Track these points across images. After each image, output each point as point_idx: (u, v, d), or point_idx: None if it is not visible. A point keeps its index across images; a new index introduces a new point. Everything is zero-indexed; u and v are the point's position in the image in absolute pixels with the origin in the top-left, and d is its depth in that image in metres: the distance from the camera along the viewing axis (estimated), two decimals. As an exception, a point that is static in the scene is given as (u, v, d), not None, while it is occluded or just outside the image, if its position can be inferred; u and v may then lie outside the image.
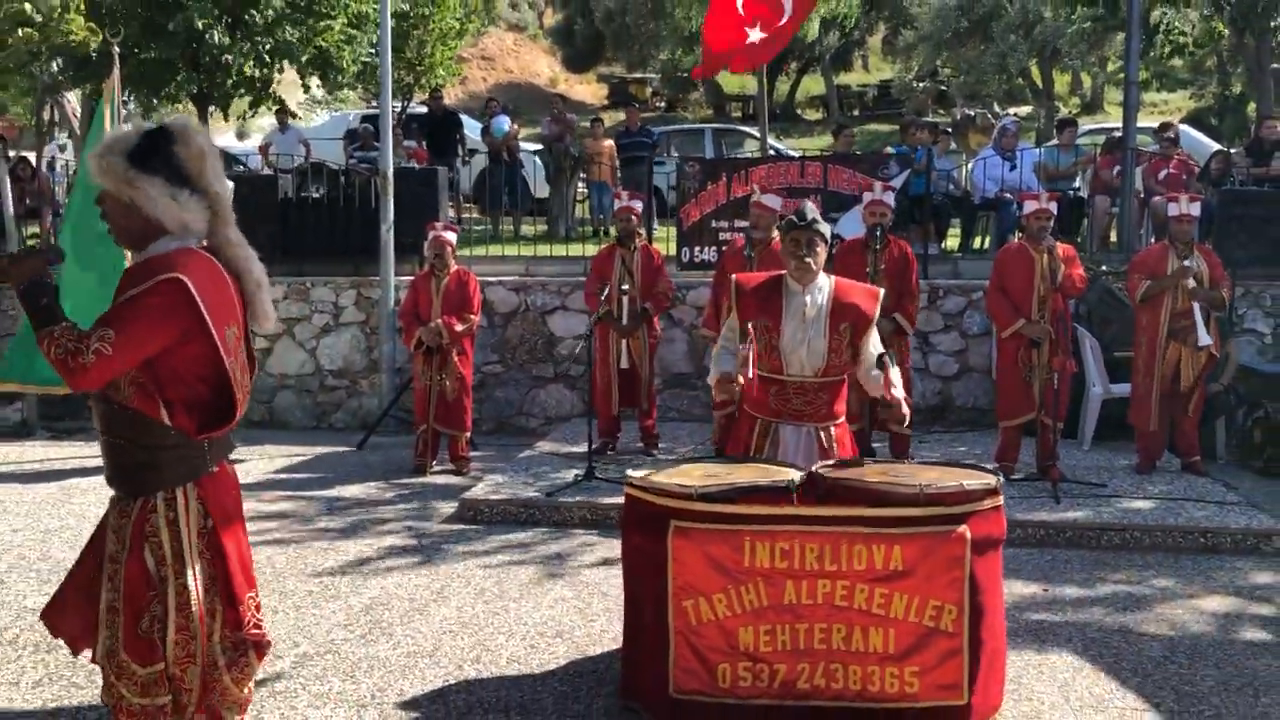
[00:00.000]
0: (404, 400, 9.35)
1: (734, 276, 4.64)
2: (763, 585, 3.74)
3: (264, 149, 16.59)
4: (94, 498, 7.23)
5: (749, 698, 3.77)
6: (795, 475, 3.96)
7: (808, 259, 4.33)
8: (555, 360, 9.91)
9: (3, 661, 4.45)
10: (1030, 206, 7.18)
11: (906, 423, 4.41)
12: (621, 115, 26.33)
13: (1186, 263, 7.19)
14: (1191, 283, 7.18)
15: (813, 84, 35.23)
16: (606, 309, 7.63)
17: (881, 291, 4.61)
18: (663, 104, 34.59)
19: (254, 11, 11.62)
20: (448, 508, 7.05)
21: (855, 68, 37.56)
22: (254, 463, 8.39)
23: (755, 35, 9.67)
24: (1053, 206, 7.18)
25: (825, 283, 4.42)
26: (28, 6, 8.11)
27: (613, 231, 13.51)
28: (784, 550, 3.73)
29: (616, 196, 8.18)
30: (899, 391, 4.29)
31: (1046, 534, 6.27)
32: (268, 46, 12.01)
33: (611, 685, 4.22)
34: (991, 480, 3.88)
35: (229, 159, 15.29)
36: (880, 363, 4.27)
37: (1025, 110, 26.50)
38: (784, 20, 9.70)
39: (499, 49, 40.63)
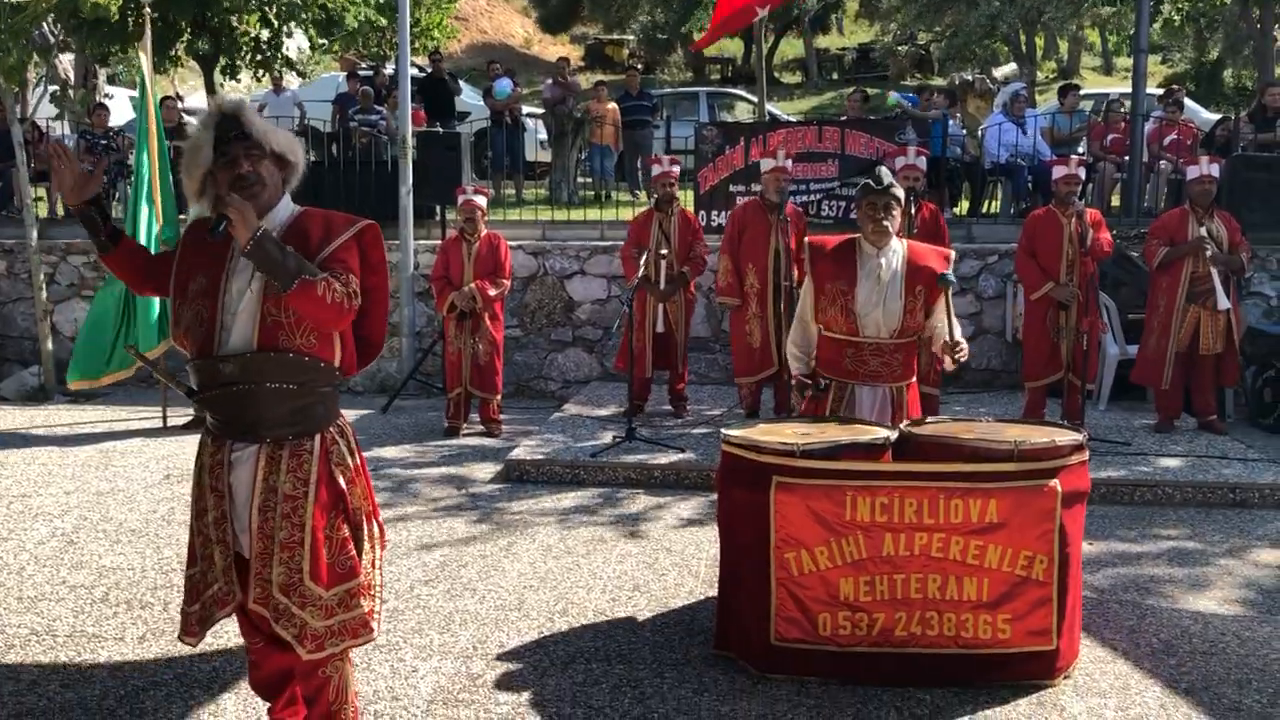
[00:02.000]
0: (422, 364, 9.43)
1: (808, 240, 4.74)
2: (862, 538, 3.89)
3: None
4: (134, 460, 7.29)
5: (848, 645, 3.94)
6: (889, 432, 4.12)
7: (885, 222, 4.46)
8: (574, 324, 10.00)
9: (100, 619, 4.53)
10: (1060, 171, 7.35)
11: (962, 357, 4.52)
12: (599, 77, 26.27)
13: (1203, 230, 7.38)
14: (1210, 249, 7.38)
15: (789, 47, 35.26)
16: (644, 274, 7.73)
17: (953, 253, 4.75)
18: (639, 66, 34.49)
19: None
20: (489, 468, 7.17)
21: (832, 31, 37.63)
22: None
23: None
24: (1081, 172, 7.35)
25: (899, 245, 4.55)
26: (51, -33, 8.00)
27: (608, 193, 13.65)
28: (884, 505, 3.88)
29: (655, 161, 8.23)
30: (958, 332, 4.47)
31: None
32: (274, 10, 11.91)
33: (702, 636, 4.37)
34: (1079, 436, 4.06)
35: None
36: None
37: (1002, 74, 26.71)
38: None
39: (472, 9, 40.15)
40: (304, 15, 12.51)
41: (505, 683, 3.97)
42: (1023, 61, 23.31)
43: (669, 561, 5.34)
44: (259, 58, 12.98)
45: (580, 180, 14.83)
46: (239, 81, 13.51)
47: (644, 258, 7.67)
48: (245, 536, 3.04)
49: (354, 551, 3.07)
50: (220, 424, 3.07)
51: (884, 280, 4.46)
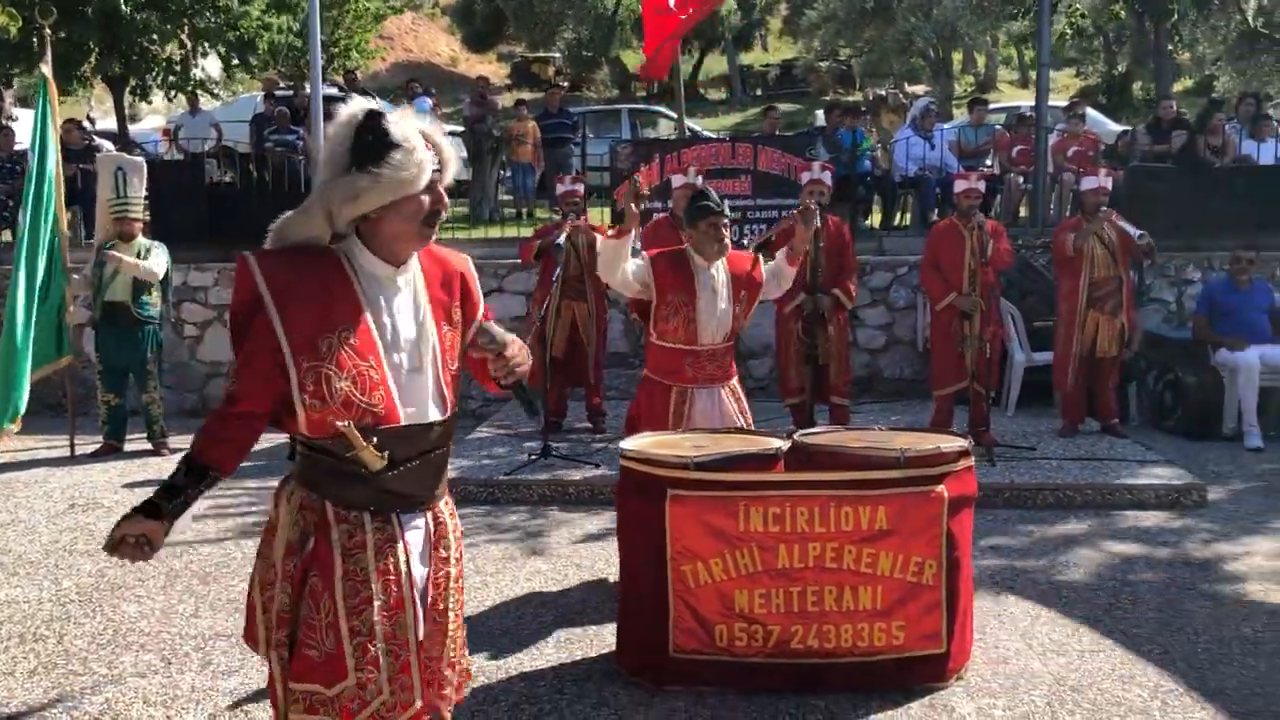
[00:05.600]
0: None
1: (644, 253, 4.92)
2: (757, 550, 3.95)
3: (169, 132, 16.21)
4: (38, 490, 7.14)
5: (745, 655, 3.99)
6: (781, 442, 4.19)
7: (726, 242, 4.76)
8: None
9: (-10, 654, 4.43)
10: (961, 186, 7.53)
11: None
12: (524, 94, 26.31)
13: (1102, 210, 7.64)
14: (1114, 215, 7.64)
15: (714, 64, 35.60)
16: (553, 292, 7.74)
17: (756, 256, 4.98)
18: (565, 83, 34.54)
19: (172, -5, 11.46)
20: (404, 489, 7.12)
21: (755, 47, 38.07)
22: (196, 451, 8.32)
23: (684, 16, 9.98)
24: (981, 186, 7.54)
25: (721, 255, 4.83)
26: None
27: (530, 210, 13.69)
28: (776, 514, 3.94)
29: (559, 180, 8.28)
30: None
31: (986, 495, 6.54)
32: (186, 30, 11.79)
33: (605, 650, 4.40)
34: (964, 442, 4.16)
35: (126, 143, 14.95)
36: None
37: (921, 89, 27.25)
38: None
39: (397, 28, 39.98)
40: (216, 38, 12.37)
41: (404, 704, 3.95)
42: (939, 75, 23.77)
43: (577, 577, 5.36)
44: (170, 79, 12.80)
45: (504, 198, 14.83)
46: (150, 103, 13.33)
47: (555, 275, 7.66)
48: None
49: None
50: (398, 497, 2.55)
51: (718, 291, 4.75)
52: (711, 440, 4.33)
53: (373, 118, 2.40)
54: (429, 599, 2.59)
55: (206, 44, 12.49)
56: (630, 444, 4.27)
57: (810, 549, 3.95)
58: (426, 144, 2.44)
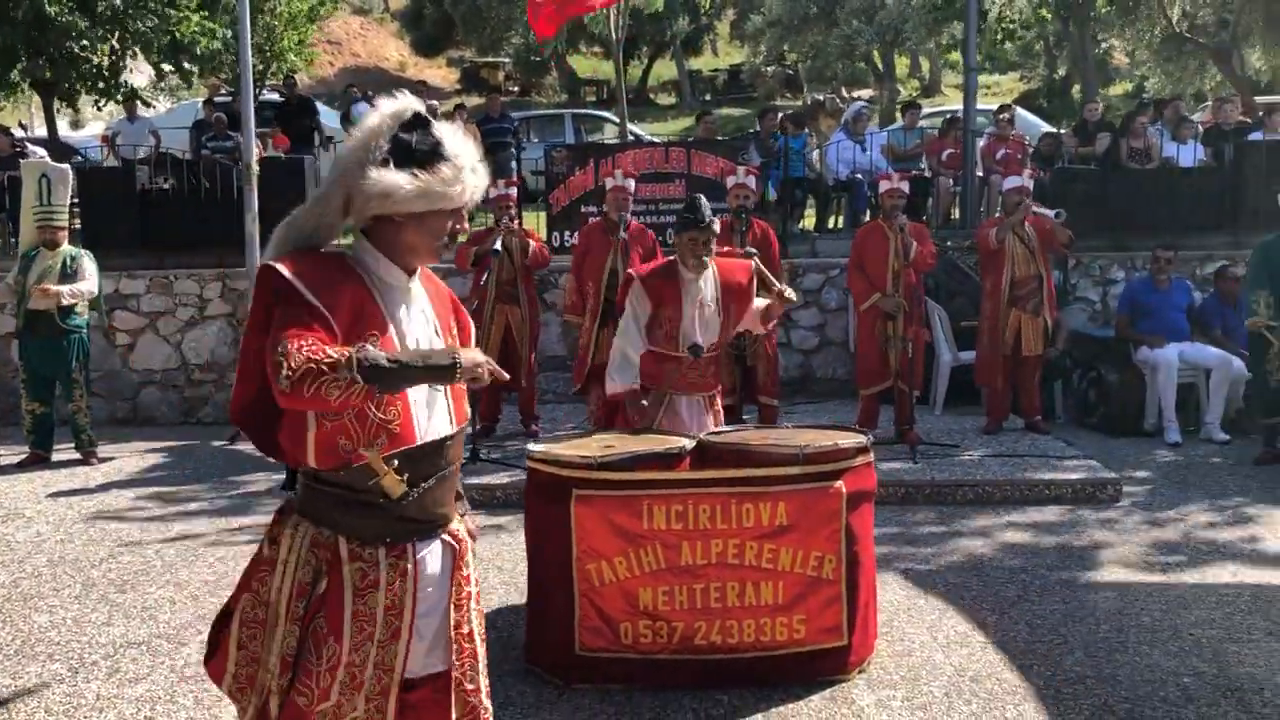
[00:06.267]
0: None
1: (632, 272, 4.94)
2: (660, 548, 4.00)
3: (108, 139, 16.03)
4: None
5: (650, 653, 4.04)
6: (686, 442, 4.25)
7: (706, 258, 4.74)
8: (429, 346, 9.98)
9: (-106, 666, 4.38)
10: (884, 186, 7.65)
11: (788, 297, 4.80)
12: (474, 100, 26.29)
13: (1021, 206, 7.79)
14: (1031, 202, 7.82)
15: (664, 69, 35.77)
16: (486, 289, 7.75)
17: (753, 262, 4.98)
18: (515, 88, 34.54)
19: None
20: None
21: (705, 52, 38.27)
22: (125, 460, 8.26)
23: None
24: (904, 186, 7.66)
25: (710, 266, 4.77)
26: None
27: (471, 215, 13.64)
28: (679, 512, 4.00)
29: (492, 185, 8.28)
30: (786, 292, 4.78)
31: (907, 492, 6.72)
32: (118, 36, 11.66)
33: (516, 650, 4.43)
34: (863, 439, 4.25)
35: (67, 149, 14.76)
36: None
37: (867, 93, 27.53)
38: None
39: (345, 33, 39.80)
40: (150, 43, 12.22)
41: (311, 707, 3.96)
42: (881, 80, 24.04)
43: (497, 579, 5.39)
44: (100, 85, 12.65)
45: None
46: (77, 110, 13.13)
47: (486, 279, 7.68)
48: (424, 647, 2.52)
49: None
50: (415, 523, 2.48)
51: (704, 301, 4.75)
52: (620, 440, 4.38)
53: (424, 121, 2.37)
54: (452, 622, 2.54)
55: (138, 50, 12.32)
56: (537, 445, 4.31)
57: (713, 546, 4.01)
58: (472, 168, 2.42)
